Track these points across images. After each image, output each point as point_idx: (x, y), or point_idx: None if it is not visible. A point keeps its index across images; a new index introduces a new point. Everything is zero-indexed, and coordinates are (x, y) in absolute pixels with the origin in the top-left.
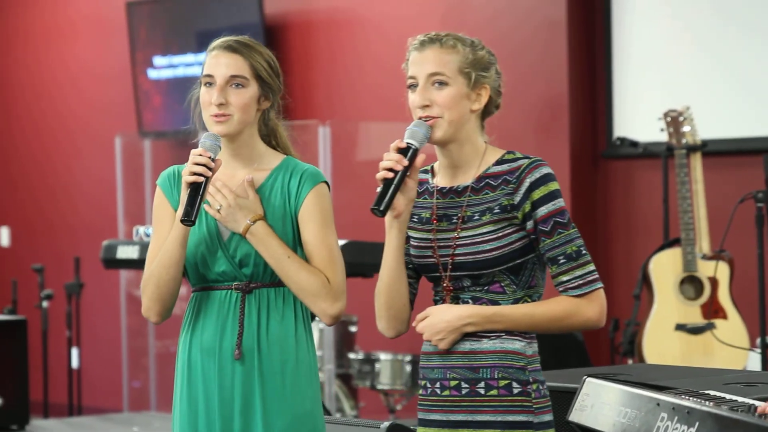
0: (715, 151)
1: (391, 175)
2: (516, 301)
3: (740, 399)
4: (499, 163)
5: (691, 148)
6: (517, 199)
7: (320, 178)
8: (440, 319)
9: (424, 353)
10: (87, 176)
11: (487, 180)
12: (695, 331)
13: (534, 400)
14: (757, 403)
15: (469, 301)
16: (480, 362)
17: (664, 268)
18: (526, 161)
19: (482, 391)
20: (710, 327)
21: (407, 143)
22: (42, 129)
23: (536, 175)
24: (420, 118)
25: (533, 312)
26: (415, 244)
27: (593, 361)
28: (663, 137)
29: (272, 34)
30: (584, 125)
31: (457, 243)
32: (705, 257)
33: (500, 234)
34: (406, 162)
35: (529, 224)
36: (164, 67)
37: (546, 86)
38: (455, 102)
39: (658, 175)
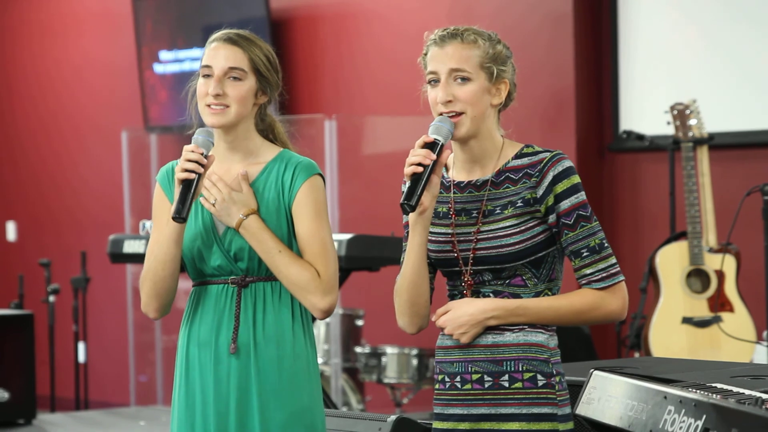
0: (722, 144)
1: (420, 169)
2: (537, 294)
3: (747, 392)
4: (518, 156)
5: (698, 141)
6: (540, 192)
7: (314, 171)
8: (463, 313)
9: (442, 347)
10: (93, 171)
11: (508, 174)
12: (702, 324)
13: (558, 392)
14: (764, 396)
15: (491, 294)
16: (503, 355)
17: (671, 261)
18: (548, 155)
19: (506, 384)
20: (717, 320)
21: (434, 138)
22: (48, 124)
23: (559, 168)
24: (442, 114)
25: (557, 305)
26: (433, 238)
27: (600, 354)
28: (669, 130)
29: (278, 28)
30: (590, 118)
31: (479, 237)
32: (711, 250)
33: (523, 228)
34: (434, 156)
35: (552, 217)
36: (170, 62)
37: (552, 79)
38: (477, 97)
39: (664, 168)
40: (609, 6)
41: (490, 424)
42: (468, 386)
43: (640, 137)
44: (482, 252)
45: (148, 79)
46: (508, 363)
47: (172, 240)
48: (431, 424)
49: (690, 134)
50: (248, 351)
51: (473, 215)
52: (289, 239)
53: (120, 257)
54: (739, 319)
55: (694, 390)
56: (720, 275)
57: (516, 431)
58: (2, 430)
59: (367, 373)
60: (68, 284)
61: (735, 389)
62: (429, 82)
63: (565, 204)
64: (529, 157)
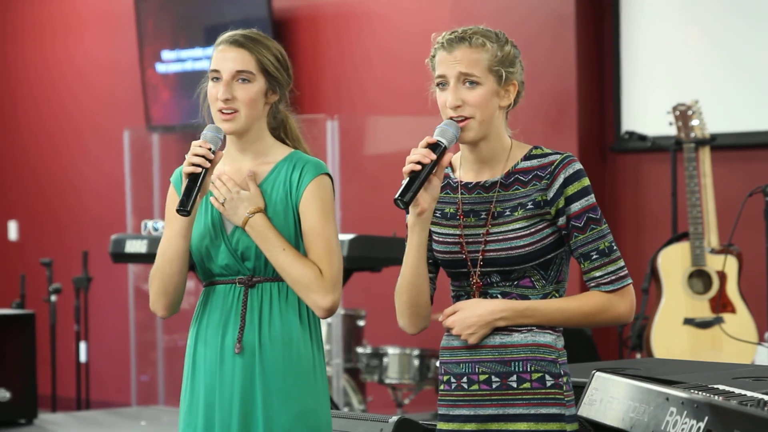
0: (724, 145)
1: (418, 168)
2: (545, 296)
3: (749, 393)
4: (527, 158)
5: (700, 142)
6: (551, 194)
7: (322, 170)
8: (472, 314)
9: (448, 348)
10: (95, 170)
11: (517, 175)
12: (703, 325)
13: (565, 393)
14: (766, 397)
15: (498, 296)
16: (511, 356)
17: (673, 262)
18: (558, 156)
19: (514, 385)
20: (718, 321)
21: (437, 140)
22: (50, 123)
23: (570, 170)
24: (451, 118)
25: (566, 307)
26: (440, 239)
27: (601, 355)
28: (672, 131)
29: (280, 27)
30: (593, 119)
31: (488, 239)
32: (713, 251)
33: (533, 230)
34: (434, 156)
35: (562, 220)
36: (172, 61)
37: (554, 80)
38: (486, 101)
39: (666, 168)
40: (611, 7)
41: (497, 424)
42: (475, 387)
43: (642, 138)
44: (491, 254)
45: (150, 79)
46: (516, 363)
47: (179, 235)
48: (433, 424)
49: (692, 135)
50: (253, 351)
51: (482, 216)
52: (296, 239)
53: (122, 257)
54: (740, 320)
55: (696, 391)
56: (722, 276)
57: (524, 431)
58: (3, 429)
59: (368, 374)
60: (70, 284)
61: (737, 391)
62: (438, 85)
63: (576, 206)
64: (539, 159)
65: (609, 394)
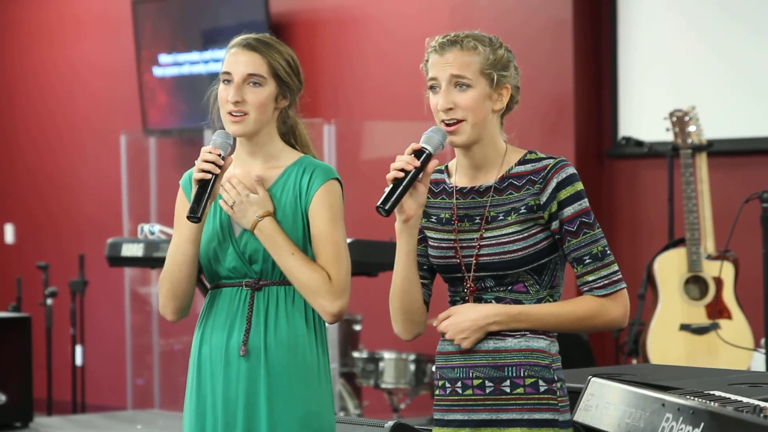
0: (721, 151)
1: (401, 175)
2: (539, 301)
3: (745, 399)
4: (522, 162)
5: (697, 148)
6: (544, 199)
7: (331, 175)
8: (465, 318)
9: (442, 353)
10: (92, 174)
11: (511, 180)
12: (700, 331)
13: (559, 398)
14: (762, 404)
15: (492, 301)
16: (505, 361)
17: (669, 267)
18: (551, 161)
19: (507, 390)
20: (715, 327)
21: (422, 147)
22: (47, 126)
23: (563, 175)
24: (443, 121)
25: (559, 311)
26: (435, 244)
27: (598, 360)
28: (668, 137)
29: (278, 32)
30: (590, 124)
31: (482, 243)
32: (710, 257)
33: (526, 234)
34: (418, 163)
35: (555, 224)
36: (170, 65)
37: (552, 85)
38: (478, 104)
39: (663, 174)
40: (609, 12)
41: (491, 429)
42: (469, 392)
43: (639, 143)
44: (485, 258)
45: (148, 82)
46: (510, 368)
47: (189, 240)
48: (429, 429)
49: (689, 141)
50: (258, 354)
51: (476, 221)
52: (305, 243)
53: (118, 260)
54: (736, 327)
55: (692, 397)
56: (718, 282)
57: None
58: None
59: (364, 378)
60: (66, 287)
61: (733, 397)
62: (430, 88)
63: (569, 211)
64: (533, 164)
65: (605, 399)
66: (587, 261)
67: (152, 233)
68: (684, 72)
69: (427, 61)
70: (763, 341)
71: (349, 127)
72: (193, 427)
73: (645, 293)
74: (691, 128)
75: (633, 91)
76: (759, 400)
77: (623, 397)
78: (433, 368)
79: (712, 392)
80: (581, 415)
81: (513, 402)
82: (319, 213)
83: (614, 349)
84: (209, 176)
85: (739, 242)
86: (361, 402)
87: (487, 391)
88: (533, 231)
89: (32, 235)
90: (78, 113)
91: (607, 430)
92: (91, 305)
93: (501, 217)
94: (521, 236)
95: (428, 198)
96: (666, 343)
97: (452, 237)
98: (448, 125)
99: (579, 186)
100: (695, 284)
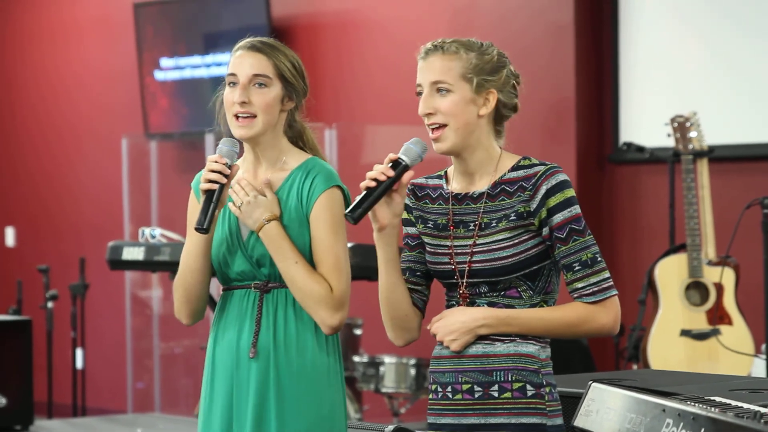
0: (722, 157)
1: (374, 184)
2: (532, 306)
3: (746, 405)
4: (514, 169)
5: (698, 154)
6: (534, 205)
7: (333, 182)
8: (455, 320)
9: (436, 357)
10: (93, 177)
11: (503, 186)
12: (700, 336)
13: (547, 403)
14: (762, 410)
15: (485, 305)
16: (493, 365)
17: (670, 273)
18: (542, 168)
19: (496, 394)
20: (715, 333)
21: (399, 158)
22: (48, 130)
23: (552, 182)
24: (428, 126)
25: (548, 317)
26: (432, 250)
27: (598, 366)
28: (670, 142)
29: (279, 36)
30: (591, 130)
31: (474, 250)
32: (711, 263)
33: (517, 241)
34: (392, 173)
35: (545, 231)
36: (171, 69)
37: (553, 90)
38: (459, 109)
39: (664, 180)
40: (610, 17)
41: None
42: (459, 396)
43: (640, 149)
44: (477, 265)
45: (149, 86)
46: (498, 373)
47: (199, 251)
48: None
49: (690, 147)
50: (268, 356)
51: (470, 228)
52: (310, 248)
53: (119, 264)
54: (737, 332)
55: (693, 403)
56: (719, 288)
57: None
58: None
59: (364, 383)
60: (67, 290)
61: (734, 403)
62: (417, 94)
63: (558, 218)
64: (525, 170)
65: (605, 405)
66: (577, 268)
67: (153, 237)
68: (685, 77)
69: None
70: (763, 347)
71: (350, 131)
72: (206, 427)
73: (646, 299)
74: (693, 134)
75: (634, 96)
76: (759, 406)
77: (624, 402)
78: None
79: (712, 398)
80: (581, 421)
81: (501, 406)
82: (319, 222)
83: (615, 355)
84: (216, 186)
85: (739, 248)
86: (362, 406)
87: (476, 395)
88: (524, 237)
89: (33, 238)
90: (79, 117)
91: None
92: (92, 308)
93: (493, 224)
94: (512, 243)
95: (426, 204)
96: (666, 348)
97: (448, 243)
98: (433, 130)
99: (569, 193)
100: (696, 290)
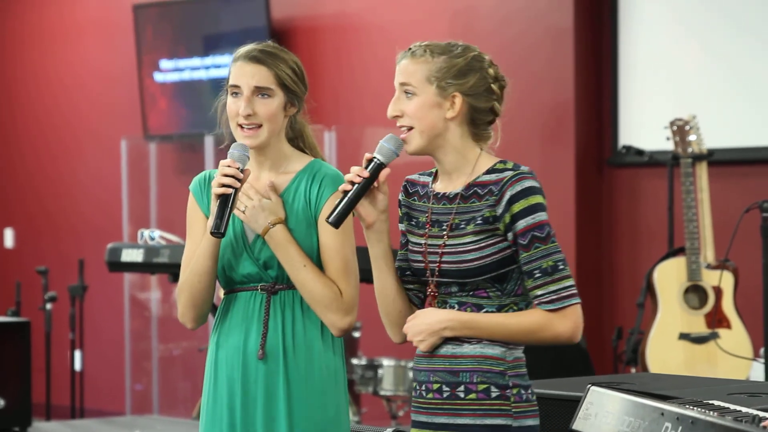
0: (721, 161)
1: (349, 187)
2: (501, 308)
3: (744, 409)
4: (489, 172)
5: (697, 157)
6: (499, 210)
7: (340, 183)
8: (422, 321)
9: (416, 356)
10: (92, 178)
11: (476, 189)
12: (699, 340)
13: (513, 404)
14: (761, 414)
15: (456, 305)
16: (460, 366)
17: (669, 276)
18: (510, 173)
19: (462, 395)
20: (714, 336)
21: (373, 157)
22: (47, 131)
23: (517, 188)
24: (398, 127)
25: (507, 322)
26: (411, 247)
27: (597, 369)
28: (669, 146)
29: (278, 38)
30: (590, 133)
31: (444, 251)
32: (709, 266)
33: (483, 244)
34: (366, 174)
35: (510, 236)
36: (171, 71)
37: (552, 94)
38: (423, 111)
39: (663, 183)
40: (609, 21)
41: None
42: (430, 395)
43: (640, 152)
44: (446, 265)
45: (148, 88)
46: (464, 374)
47: (208, 254)
48: None
49: (689, 150)
50: (277, 358)
51: (443, 228)
52: (318, 251)
53: (118, 266)
54: (736, 336)
55: (691, 407)
56: (718, 291)
57: None
58: None
59: (363, 385)
60: (65, 292)
61: (732, 406)
62: None
63: (521, 224)
64: (497, 174)
65: (604, 408)
66: (537, 275)
67: (152, 239)
68: (685, 81)
69: None
70: (762, 351)
71: (349, 134)
72: (208, 430)
73: (644, 302)
74: (692, 137)
75: (633, 99)
76: (758, 409)
77: (622, 406)
78: None
79: (711, 402)
80: (580, 424)
81: (467, 407)
82: (328, 225)
83: (613, 358)
84: (230, 191)
85: (738, 252)
86: (360, 409)
87: (445, 395)
88: (491, 241)
89: (32, 240)
90: (79, 118)
91: None
92: (91, 310)
93: (462, 226)
94: (478, 246)
95: (414, 201)
96: (665, 352)
97: (422, 241)
98: (402, 132)
99: (534, 199)
100: (695, 293)
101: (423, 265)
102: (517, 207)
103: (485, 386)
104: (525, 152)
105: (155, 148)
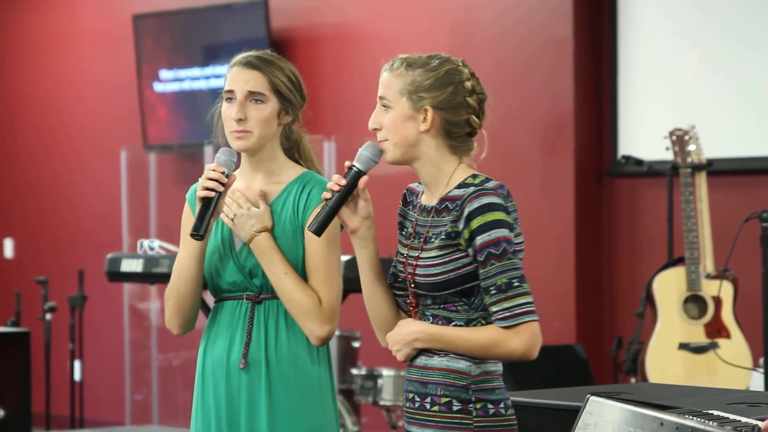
0: (721, 170)
1: (329, 196)
2: (469, 321)
3: (743, 419)
4: (459, 186)
5: (697, 167)
6: (460, 226)
7: None
8: (399, 332)
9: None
10: (92, 189)
11: (447, 203)
12: (698, 350)
13: (475, 419)
14: (760, 423)
15: (431, 317)
16: (429, 378)
17: (668, 286)
18: (472, 189)
19: (428, 406)
20: (713, 346)
21: (352, 165)
22: (47, 141)
23: (475, 204)
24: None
25: (468, 336)
26: (398, 257)
27: (596, 379)
28: (668, 156)
29: (278, 48)
30: (589, 143)
31: (417, 263)
32: (709, 276)
33: (447, 259)
34: (344, 182)
35: (470, 252)
36: (170, 81)
37: (552, 104)
38: (397, 124)
39: (663, 193)
40: (609, 31)
41: None
42: (408, 404)
43: (639, 162)
44: (418, 278)
45: (148, 98)
46: (431, 386)
47: (193, 258)
48: None
49: (689, 160)
50: (259, 368)
51: (420, 239)
52: (303, 261)
53: (117, 276)
54: (735, 346)
55: (691, 417)
56: (717, 301)
57: None
58: None
59: (363, 395)
60: (65, 302)
61: (731, 416)
62: None
63: (478, 241)
64: (465, 189)
65: (603, 418)
66: (493, 292)
67: (152, 249)
68: (684, 91)
69: None
70: (761, 361)
71: (349, 144)
72: None
73: (644, 312)
74: (691, 147)
75: (633, 109)
76: (757, 419)
77: (621, 416)
78: None
79: (710, 411)
80: None
81: (432, 419)
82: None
83: (613, 368)
84: (213, 194)
85: (738, 262)
86: (360, 419)
87: (416, 405)
88: (455, 256)
89: (32, 250)
90: (78, 128)
91: None
92: (90, 320)
93: (432, 239)
94: (442, 261)
95: (408, 210)
96: (665, 361)
97: (405, 252)
98: (380, 143)
99: (492, 216)
100: (694, 303)
101: (404, 275)
102: (475, 223)
103: (447, 399)
104: (524, 162)
105: (155, 159)
